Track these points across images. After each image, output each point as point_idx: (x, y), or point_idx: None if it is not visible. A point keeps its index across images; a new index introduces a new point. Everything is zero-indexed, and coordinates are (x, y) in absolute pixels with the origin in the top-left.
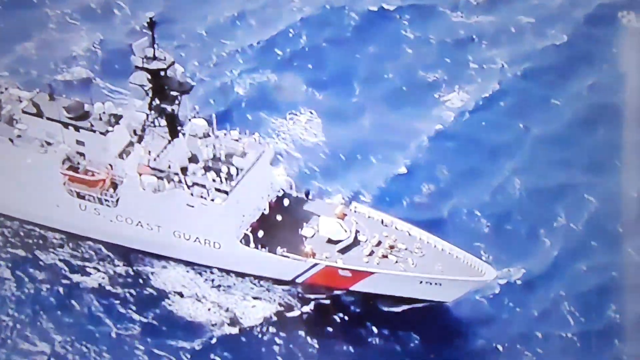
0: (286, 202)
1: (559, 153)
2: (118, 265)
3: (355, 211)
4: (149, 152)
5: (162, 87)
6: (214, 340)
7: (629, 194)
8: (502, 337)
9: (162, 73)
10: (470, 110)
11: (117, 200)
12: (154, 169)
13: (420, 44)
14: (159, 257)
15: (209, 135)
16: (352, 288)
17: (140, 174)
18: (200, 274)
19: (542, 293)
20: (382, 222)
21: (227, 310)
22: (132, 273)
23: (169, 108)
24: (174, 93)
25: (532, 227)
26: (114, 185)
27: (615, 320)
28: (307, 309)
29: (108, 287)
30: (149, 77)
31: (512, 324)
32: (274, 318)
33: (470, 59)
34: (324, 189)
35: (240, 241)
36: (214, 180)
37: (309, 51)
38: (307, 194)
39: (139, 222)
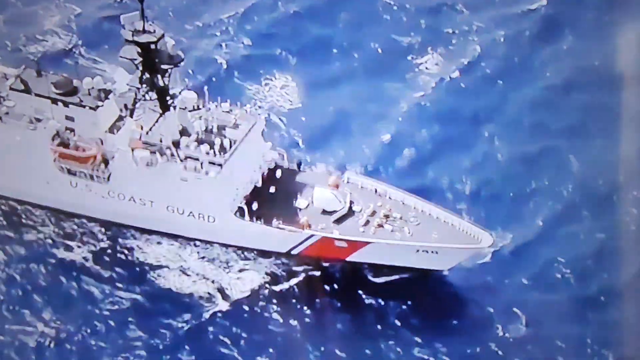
0: (279, 173)
1: (540, 116)
2: (101, 240)
3: (348, 181)
4: (141, 126)
5: (152, 60)
6: (206, 315)
7: (612, 156)
8: (497, 303)
9: (152, 46)
10: (451, 76)
11: (109, 176)
12: (146, 143)
13: (398, 10)
14: (144, 231)
15: (200, 108)
16: (348, 259)
17: (132, 149)
18: (184, 247)
19: (532, 258)
20: (376, 191)
21: (212, 282)
22: (115, 248)
23: (160, 81)
24: (164, 66)
25: (516, 192)
26: (105, 161)
27: (606, 283)
28: (295, 280)
29: (91, 263)
30: (139, 50)
31: (505, 291)
32: (262, 290)
33: (449, 24)
34: (305, 159)
35: (235, 214)
36: (207, 153)
37: (285, 19)
38: (299, 165)
39: (132, 197)
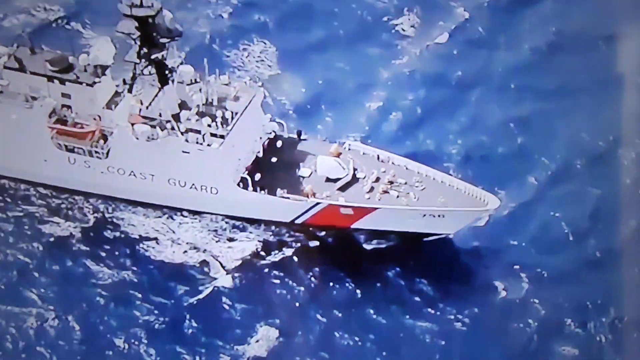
0: (279, 143)
1: (528, 80)
2: (87, 215)
3: (349, 149)
4: (141, 101)
5: (150, 34)
6: (201, 285)
7: (602, 115)
8: (497, 264)
9: (150, 20)
10: (437, 41)
11: (108, 152)
12: (145, 117)
13: None
14: (142, 205)
15: (197, 81)
16: (353, 226)
17: (132, 124)
18: (171, 217)
19: (529, 218)
20: (378, 157)
21: (204, 251)
22: (102, 222)
23: (158, 55)
24: (162, 40)
25: (507, 154)
26: (104, 137)
27: (604, 239)
28: (288, 249)
29: (79, 238)
30: (137, 24)
31: (504, 251)
32: (254, 258)
33: None
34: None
35: (238, 185)
36: (209, 126)
37: None
38: (299, 134)
39: (132, 172)
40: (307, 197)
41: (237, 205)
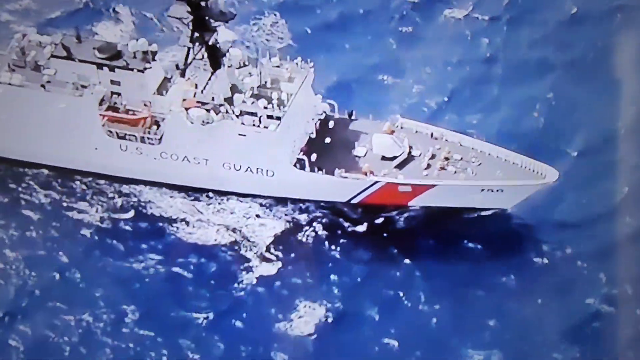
0: (331, 124)
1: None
2: (113, 198)
3: (402, 127)
4: (196, 85)
5: (202, 18)
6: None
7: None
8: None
9: (203, 4)
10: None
11: (161, 137)
12: (199, 102)
13: None
14: (185, 190)
15: (247, 65)
16: (410, 203)
17: (187, 108)
18: (197, 199)
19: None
20: (432, 135)
21: (234, 231)
22: (130, 204)
23: (212, 39)
24: (215, 23)
25: (546, 128)
26: (155, 123)
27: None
28: (318, 225)
29: (108, 222)
30: (189, 9)
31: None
32: (285, 236)
33: None
34: None
35: (295, 166)
36: (265, 107)
37: None
38: (350, 114)
39: (185, 157)
40: (365, 175)
41: (293, 186)
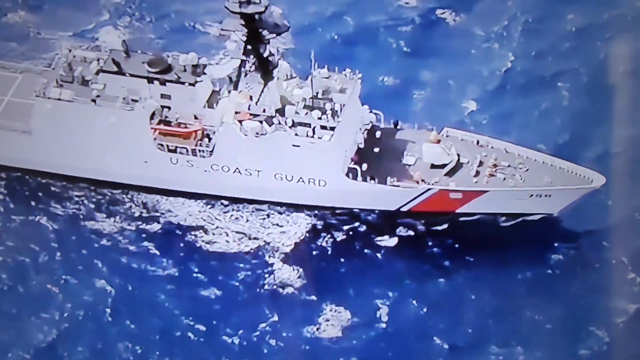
0: (378, 133)
1: None
2: (130, 208)
3: (447, 135)
4: (250, 97)
5: (256, 30)
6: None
7: None
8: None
9: (257, 17)
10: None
11: (213, 150)
12: (251, 114)
13: None
14: (237, 201)
15: (294, 77)
16: (458, 210)
17: (240, 121)
18: (212, 205)
19: None
20: (477, 142)
21: (256, 239)
22: (149, 214)
23: (266, 51)
24: (269, 36)
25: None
26: (206, 136)
27: None
28: (338, 233)
29: (128, 231)
30: (242, 22)
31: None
32: (305, 242)
33: None
34: None
35: (347, 176)
36: (319, 118)
37: None
38: (395, 124)
39: (237, 169)
40: (417, 184)
41: (344, 196)
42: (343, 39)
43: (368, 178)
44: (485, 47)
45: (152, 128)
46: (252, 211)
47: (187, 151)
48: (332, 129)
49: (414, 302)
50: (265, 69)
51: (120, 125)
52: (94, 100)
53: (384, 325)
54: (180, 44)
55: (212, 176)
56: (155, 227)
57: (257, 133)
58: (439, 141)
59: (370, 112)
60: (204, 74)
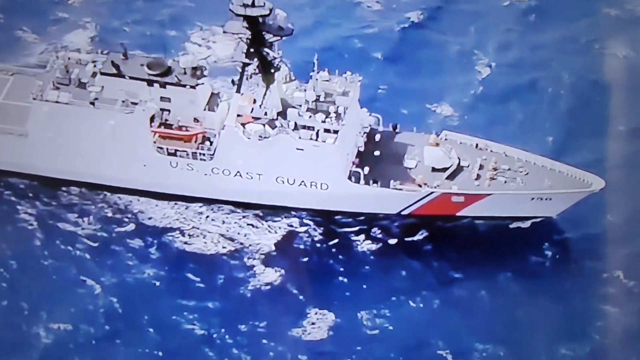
0: (377, 137)
1: None
2: (102, 209)
3: (446, 139)
4: (254, 100)
5: (259, 33)
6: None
7: None
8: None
9: (261, 19)
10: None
11: (214, 153)
12: (255, 117)
13: None
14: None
15: (292, 80)
16: (459, 213)
17: (243, 124)
18: (186, 208)
19: None
20: (477, 146)
21: (233, 240)
22: (124, 215)
23: (269, 54)
24: (272, 38)
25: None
26: (206, 139)
27: None
28: (316, 234)
29: (102, 232)
30: (246, 25)
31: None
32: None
33: None
34: None
35: (350, 179)
36: (323, 121)
37: None
38: (394, 127)
39: (237, 172)
40: (420, 187)
41: (346, 199)
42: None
43: (371, 181)
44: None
45: (153, 131)
46: (228, 213)
47: (188, 154)
48: (336, 132)
49: (407, 303)
50: (268, 71)
51: (119, 128)
52: (92, 103)
53: (369, 331)
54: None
55: (212, 180)
56: (130, 227)
57: (260, 136)
58: (437, 144)
59: (370, 115)
60: (204, 76)
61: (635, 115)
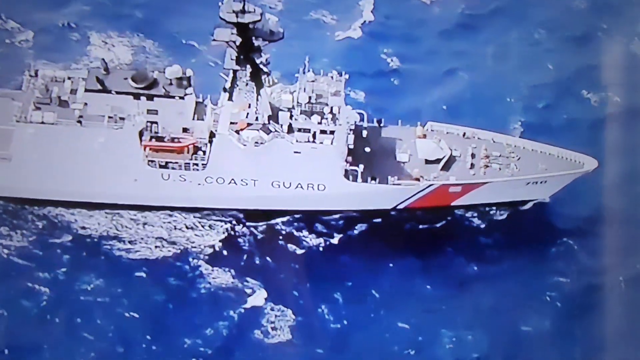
0: (364, 133)
1: None
2: (33, 221)
3: (432, 130)
4: (249, 105)
5: (249, 39)
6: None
7: None
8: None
9: (251, 26)
10: None
11: (206, 162)
12: (249, 123)
13: None
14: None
15: (277, 83)
16: (454, 203)
17: (237, 131)
18: (120, 215)
19: None
20: (464, 134)
21: (174, 243)
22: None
23: (259, 59)
24: (262, 43)
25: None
26: (196, 148)
27: None
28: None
29: (36, 247)
30: (235, 31)
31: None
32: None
33: None
34: None
35: (347, 178)
36: (319, 123)
37: None
38: (379, 122)
39: (232, 179)
40: (418, 180)
41: (342, 198)
42: None
43: (369, 179)
44: None
45: (144, 145)
46: (163, 216)
47: (180, 166)
48: (332, 132)
49: (365, 295)
50: (257, 77)
51: (109, 145)
52: (79, 122)
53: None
54: None
55: (206, 189)
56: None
57: (256, 142)
58: (424, 136)
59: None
60: (190, 85)
61: None
